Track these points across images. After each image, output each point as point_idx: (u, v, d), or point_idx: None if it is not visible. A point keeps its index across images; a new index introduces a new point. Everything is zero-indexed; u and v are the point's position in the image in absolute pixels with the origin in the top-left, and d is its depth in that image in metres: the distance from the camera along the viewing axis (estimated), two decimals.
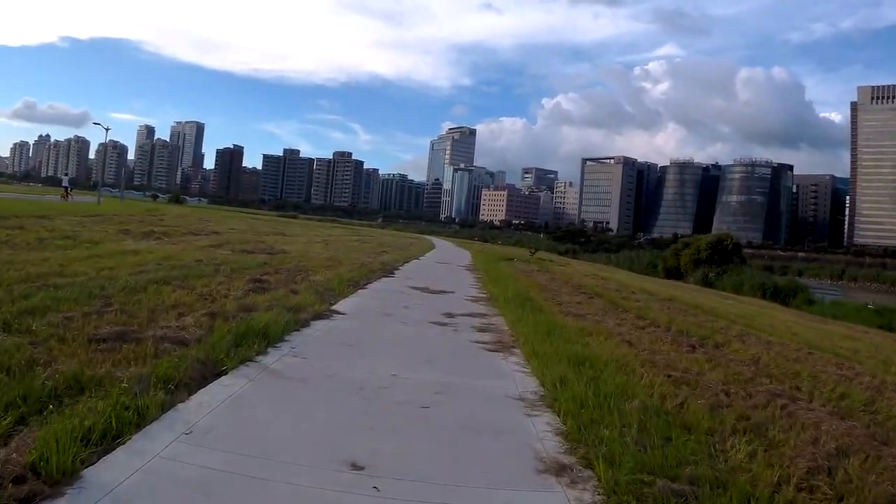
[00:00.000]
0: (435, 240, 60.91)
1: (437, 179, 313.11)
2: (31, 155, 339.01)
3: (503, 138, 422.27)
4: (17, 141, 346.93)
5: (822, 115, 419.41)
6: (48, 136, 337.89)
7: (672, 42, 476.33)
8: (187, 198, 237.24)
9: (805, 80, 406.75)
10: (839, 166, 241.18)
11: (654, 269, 55.32)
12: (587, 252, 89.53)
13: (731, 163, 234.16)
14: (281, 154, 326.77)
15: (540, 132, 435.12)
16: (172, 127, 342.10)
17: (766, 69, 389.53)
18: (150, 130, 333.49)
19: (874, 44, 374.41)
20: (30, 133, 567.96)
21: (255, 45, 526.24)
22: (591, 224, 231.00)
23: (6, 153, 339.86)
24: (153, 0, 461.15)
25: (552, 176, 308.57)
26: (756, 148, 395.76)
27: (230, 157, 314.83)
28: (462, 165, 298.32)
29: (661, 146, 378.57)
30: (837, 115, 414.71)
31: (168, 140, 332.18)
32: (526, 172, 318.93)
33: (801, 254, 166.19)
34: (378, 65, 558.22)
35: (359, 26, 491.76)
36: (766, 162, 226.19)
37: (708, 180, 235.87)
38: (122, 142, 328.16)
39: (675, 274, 52.21)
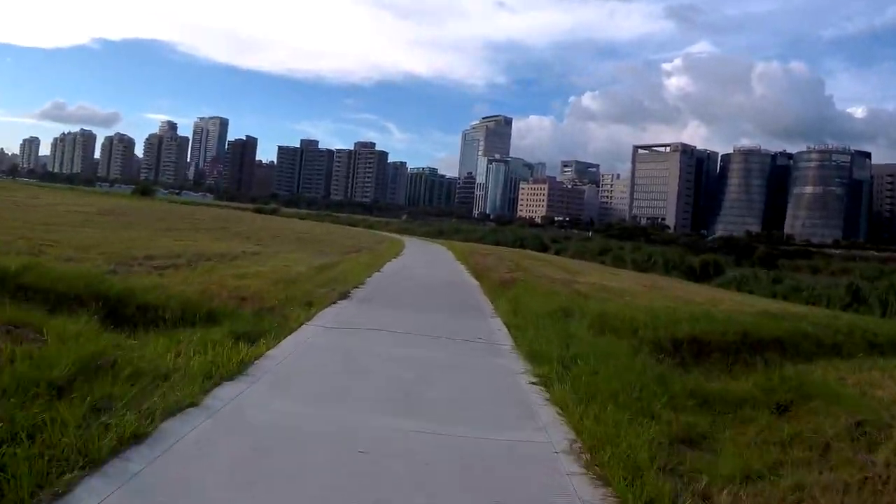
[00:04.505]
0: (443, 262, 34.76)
1: (470, 173, 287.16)
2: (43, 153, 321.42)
3: (530, 136, 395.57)
4: (27, 137, 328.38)
5: (847, 110, 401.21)
6: (67, 133, 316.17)
7: (704, 40, 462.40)
8: (191, 192, 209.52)
9: (830, 76, 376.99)
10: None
11: None
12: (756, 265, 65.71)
13: (803, 149, 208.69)
14: (298, 145, 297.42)
15: (567, 129, 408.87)
16: (195, 122, 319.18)
17: (783, 64, 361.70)
18: (171, 126, 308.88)
19: None
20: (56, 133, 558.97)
21: (291, 44, 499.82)
22: (644, 220, 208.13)
23: (17, 150, 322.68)
24: (188, 1, 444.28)
25: (594, 170, 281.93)
26: (780, 143, 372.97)
27: (242, 148, 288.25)
28: (497, 156, 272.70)
29: (687, 142, 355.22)
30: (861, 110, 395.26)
31: (190, 136, 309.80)
32: (565, 166, 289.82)
33: None
34: (413, 64, 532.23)
35: (394, 25, 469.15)
36: (844, 149, 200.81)
37: (776, 170, 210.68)
38: (131, 136, 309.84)
39: None
